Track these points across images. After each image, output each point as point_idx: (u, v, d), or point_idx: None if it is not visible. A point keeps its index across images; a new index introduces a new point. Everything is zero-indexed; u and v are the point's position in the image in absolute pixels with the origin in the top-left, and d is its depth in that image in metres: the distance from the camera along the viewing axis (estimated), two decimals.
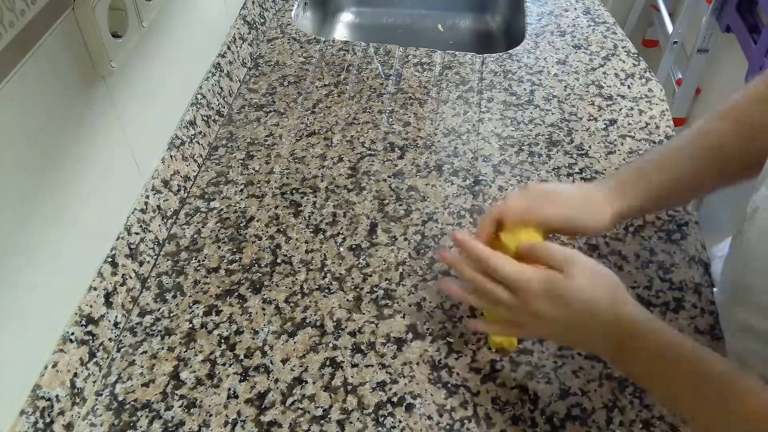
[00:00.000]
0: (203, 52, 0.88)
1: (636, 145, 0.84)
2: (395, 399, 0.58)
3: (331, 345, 0.62)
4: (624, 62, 0.99)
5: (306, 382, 0.59)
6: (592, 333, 0.50)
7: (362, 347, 0.62)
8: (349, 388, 0.59)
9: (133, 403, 0.58)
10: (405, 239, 0.72)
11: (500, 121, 0.89)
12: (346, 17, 1.35)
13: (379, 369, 0.60)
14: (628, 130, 0.86)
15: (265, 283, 0.68)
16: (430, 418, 0.57)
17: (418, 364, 0.61)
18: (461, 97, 0.93)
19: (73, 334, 0.57)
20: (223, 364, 0.61)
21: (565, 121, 0.88)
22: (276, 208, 0.76)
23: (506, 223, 0.56)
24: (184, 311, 0.66)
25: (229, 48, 0.93)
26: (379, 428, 0.56)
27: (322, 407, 0.57)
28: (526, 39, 1.05)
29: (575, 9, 1.13)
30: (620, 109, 0.90)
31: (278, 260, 0.70)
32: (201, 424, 0.56)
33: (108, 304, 0.62)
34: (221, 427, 0.56)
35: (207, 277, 0.69)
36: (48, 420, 0.53)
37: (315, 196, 0.78)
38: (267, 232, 0.74)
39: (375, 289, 0.67)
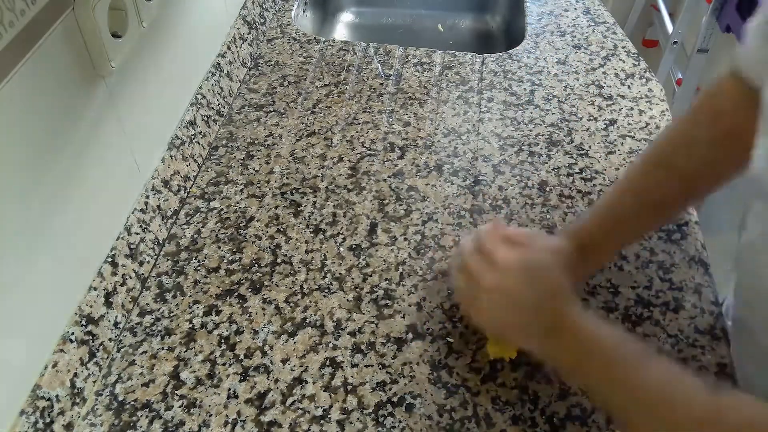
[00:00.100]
0: (203, 52, 0.88)
1: (636, 145, 0.84)
2: (395, 399, 0.58)
3: (331, 345, 0.62)
4: (624, 62, 0.99)
5: (306, 382, 0.59)
6: (537, 312, 0.51)
7: (362, 347, 0.62)
8: (349, 388, 0.59)
9: (133, 403, 0.58)
10: (405, 239, 0.72)
11: (500, 121, 0.89)
12: (346, 17, 1.35)
13: (379, 369, 0.60)
14: (628, 130, 0.86)
15: (265, 283, 0.68)
16: (430, 418, 0.57)
17: (418, 364, 0.61)
18: (461, 97, 0.93)
19: (73, 334, 0.57)
20: (223, 364, 0.61)
21: (565, 121, 0.88)
22: (276, 208, 0.76)
23: None
24: (184, 311, 0.66)
25: (229, 48, 0.93)
26: (379, 428, 0.56)
27: (322, 407, 0.57)
28: (526, 39, 1.05)
29: (575, 9, 1.13)
30: (620, 109, 0.90)
31: (278, 260, 0.70)
32: (201, 424, 0.56)
33: (108, 304, 0.62)
34: (221, 427, 0.56)
35: (207, 277, 0.69)
36: (48, 420, 0.53)
37: (315, 196, 0.78)
38: (267, 232, 0.74)
39: (375, 289, 0.67)
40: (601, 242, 0.60)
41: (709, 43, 1.65)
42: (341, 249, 0.71)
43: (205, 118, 0.85)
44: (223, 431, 0.56)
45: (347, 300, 0.66)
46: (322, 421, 0.56)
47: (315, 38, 1.06)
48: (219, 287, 0.68)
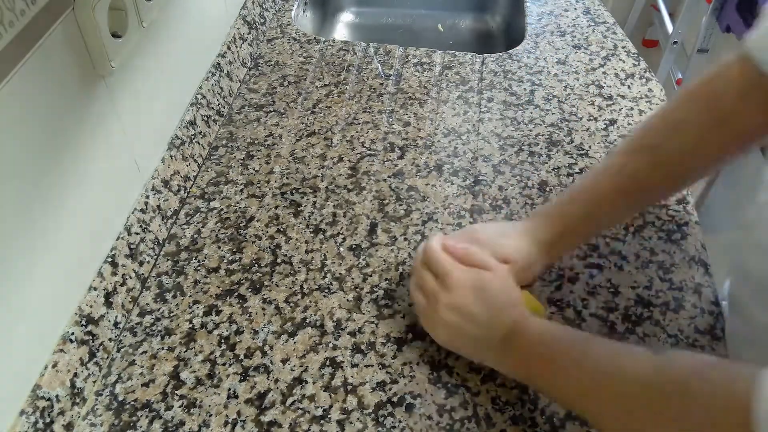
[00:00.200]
0: (203, 52, 0.88)
1: None
2: (395, 399, 0.58)
3: (331, 345, 0.62)
4: (624, 62, 0.99)
5: (306, 382, 0.59)
6: (491, 327, 0.54)
7: (362, 347, 0.62)
8: (349, 388, 0.59)
9: (133, 403, 0.58)
10: (405, 239, 0.72)
11: (500, 121, 0.89)
12: (346, 17, 1.35)
13: (379, 369, 0.60)
14: (628, 130, 0.86)
15: (265, 283, 0.68)
16: (430, 418, 0.57)
17: (418, 364, 0.61)
18: (461, 97, 0.93)
19: (73, 334, 0.57)
20: (223, 364, 0.61)
21: (565, 121, 0.88)
22: (276, 208, 0.76)
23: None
24: (184, 311, 0.66)
25: (229, 48, 0.93)
26: (379, 428, 0.56)
27: (322, 407, 0.57)
28: (526, 39, 1.05)
29: (575, 9, 1.13)
30: (620, 109, 0.90)
31: (278, 260, 0.70)
32: (201, 424, 0.56)
33: (108, 304, 0.62)
34: (221, 427, 0.56)
35: (207, 277, 0.69)
36: (48, 420, 0.53)
37: (315, 196, 0.78)
38: (267, 232, 0.74)
39: (375, 289, 0.67)
40: (576, 226, 0.61)
41: (709, 43, 1.65)
42: (341, 249, 0.71)
43: (205, 118, 0.85)
44: (223, 431, 0.56)
45: (347, 300, 0.66)
46: (322, 421, 0.56)
47: (315, 38, 1.06)
48: (219, 287, 0.68)
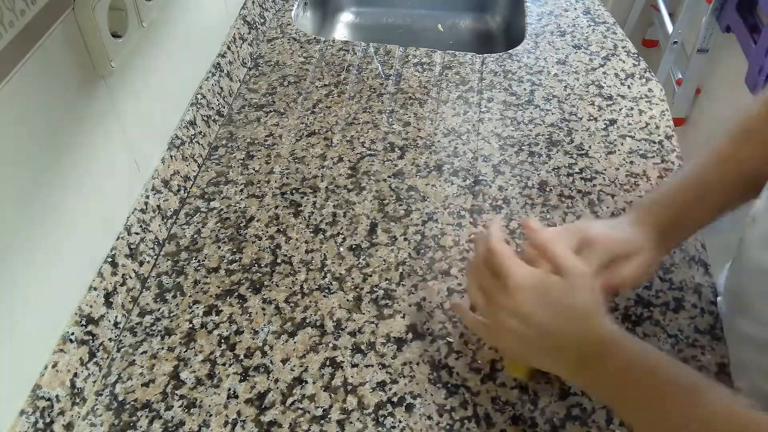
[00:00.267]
0: (203, 52, 0.88)
1: (636, 145, 0.84)
2: (395, 399, 0.58)
3: (331, 345, 0.62)
4: (624, 62, 0.99)
5: (306, 382, 0.59)
6: (564, 338, 0.48)
7: (362, 347, 0.62)
8: (349, 388, 0.59)
9: (133, 403, 0.58)
10: (405, 239, 0.72)
11: (500, 121, 0.89)
12: (346, 17, 1.35)
13: (379, 369, 0.60)
14: (628, 130, 0.86)
15: (265, 283, 0.68)
16: (430, 418, 0.57)
17: (418, 364, 0.61)
18: (461, 97, 0.93)
19: (73, 334, 0.57)
20: (223, 364, 0.61)
21: (565, 121, 0.88)
22: (276, 208, 0.76)
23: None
24: (184, 311, 0.66)
25: (229, 48, 0.93)
26: (379, 428, 0.56)
27: (322, 407, 0.57)
28: (526, 39, 1.05)
29: (575, 9, 1.13)
30: (620, 109, 0.90)
31: (278, 260, 0.70)
32: (201, 424, 0.56)
33: (108, 304, 0.62)
34: (221, 427, 0.56)
35: (207, 277, 0.69)
36: (48, 420, 0.53)
37: (315, 196, 0.78)
38: (267, 232, 0.74)
39: (375, 289, 0.67)
40: (689, 211, 0.57)
41: (709, 43, 1.65)
42: (341, 249, 0.71)
43: (205, 118, 0.85)
44: (223, 431, 0.56)
45: (347, 300, 0.66)
46: (322, 421, 0.56)
47: (315, 38, 1.06)
48: (219, 287, 0.68)
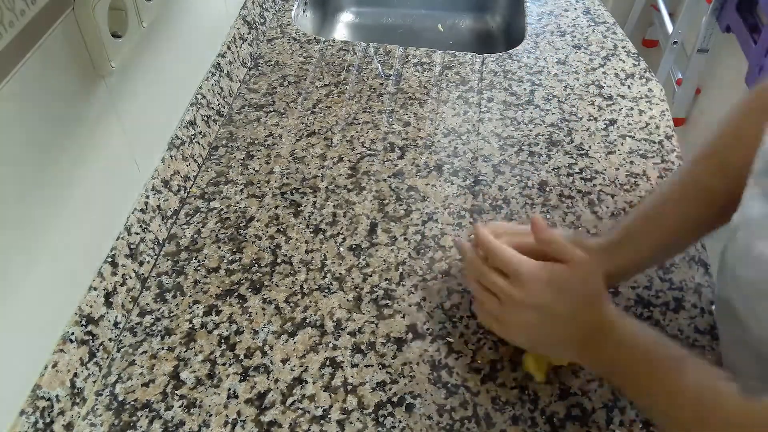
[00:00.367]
0: (203, 52, 0.88)
1: (636, 145, 0.84)
2: (395, 399, 0.58)
3: (331, 345, 0.62)
4: (624, 62, 0.99)
5: (306, 382, 0.59)
6: (575, 324, 0.51)
7: (362, 347, 0.62)
8: (349, 388, 0.59)
9: (133, 403, 0.58)
10: (405, 239, 0.72)
11: (500, 121, 0.89)
12: (346, 17, 1.35)
13: (379, 369, 0.60)
14: (628, 130, 0.86)
15: (265, 283, 0.68)
16: (430, 418, 0.57)
17: (418, 364, 0.61)
18: (461, 97, 0.93)
19: (73, 334, 0.57)
20: (223, 364, 0.61)
21: (565, 121, 0.88)
22: (276, 208, 0.76)
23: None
24: (184, 311, 0.66)
25: (229, 48, 0.93)
26: (379, 428, 0.56)
27: (322, 407, 0.57)
28: (526, 39, 1.05)
29: (575, 9, 1.13)
30: (620, 109, 0.90)
31: (278, 260, 0.70)
32: (201, 424, 0.56)
33: (108, 304, 0.62)
34: (221, 427, 0.56)
35: (207, 277, 0.69)
36: (48, 420, 0.53)
37: (315, 196, 0.78)
38: (267, 232, 0.74)
39: (375, 289, 0.67)
40: (635, 236, 0.58)
41: (709, 43, 1.65)
42: (341, 249, 0.71)
43: (205, 118, 0.85)
44: (223, 431, 0.56)
45: (347, 300, 0.66)
46: (322, 421, 0.56)
47: (315, 38, 1.06)
48: (219, 287, 0.68)
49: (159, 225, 0.72)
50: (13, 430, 0.49)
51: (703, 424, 0.43)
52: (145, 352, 0.62)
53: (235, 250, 0.72)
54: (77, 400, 0.57)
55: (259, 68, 1.00)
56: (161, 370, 0.61)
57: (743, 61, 1.44)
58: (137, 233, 0.67)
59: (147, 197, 0.70)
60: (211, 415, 0.57)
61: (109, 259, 0.63)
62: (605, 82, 0.95)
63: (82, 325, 0.58)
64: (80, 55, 0.56)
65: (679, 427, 0.46)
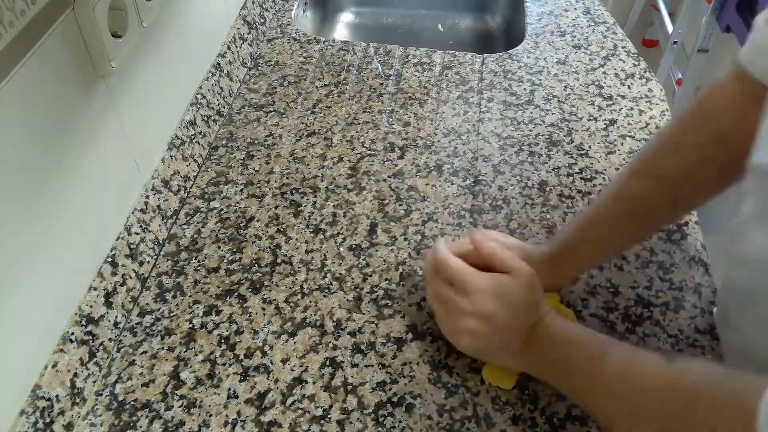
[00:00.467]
0: (203, 52, 0.88)
1: (636, 145, 0.84)
2: (395, 399, 0.58)
3: (331, 345, 0.62)
4: (624, 62, 0.99)
5: (306, 382, 0.59)
6: (516, 332, 0.54)
7: (362, 347, 0.62)
8: (349, 388, 0.59)
9: (133, 403, 0.58)
10: (405, 239, 0.72)
11: (500, 121, 0.89)
12: (346, 17, 1.35)
13: (379, 369, 0.60)
14: (628, 130, 0.86)
15: (265, 283, 0.68)
16: (430, 418, 0.57)
17: (418, 364, 0.61)
18: (461, 97, 0.93)
19: (73, 334, 0.57)
20: (223, 364, 0.61)
21: (565, 121, 0.88)
22: (276, 208, 0.76)
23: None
24: (184, 311, 0.66)
25: (229, 48, 0.93)
26: (379, 428, 0.56)
27: (322, 407, 0.57)
28: (526, 39, 1.05)
29: (575, 9, 1.13)
30: (620, 109, 0.90)
31: (278, 260, 0.70)
32: (201, 424, 0.56)
33: (108, 304, 0.62)
34: (221, 427, 0.56)
35: (207, 277, 0.69)
36: (48, 420, 0.53)
37: (315, 196, 0.78)
38: (267, 232, 0.74)
39: (375, 289, 0.67)
40: (576, 249, 0.62)
41: (709, 43, 1.65)
42: (341, 249, 0.71)
43: (205, 118, 0.85)
44: (223, 431, 0.56)
45: (347, 300, 0.66)
46: (322, 421, 0.56)
47: (315, 38, 1.06)
48: (219, 287, 0.68)
49: (159, 225, 0.72)
50: (13, 430, 0.49)
51: (628, 402, 0.45)
52: (145, 352, 0.62)
53: (235, 250, 0.72)
54: (77, 400, 0.57)
55: (259, 68, 1.00)
56: (161, 370, 0.61)
57: None
58: (137, 233, 0.67)
59: (147, 197, 0.70)
60: (211, 415, 0.57)
61: (109, 259, 0.63)
62: (605, 82, 0.95)
63: (82, 325, 0.58)
64: (80, 55, 0.56)
65: (612, 414, 0.47)
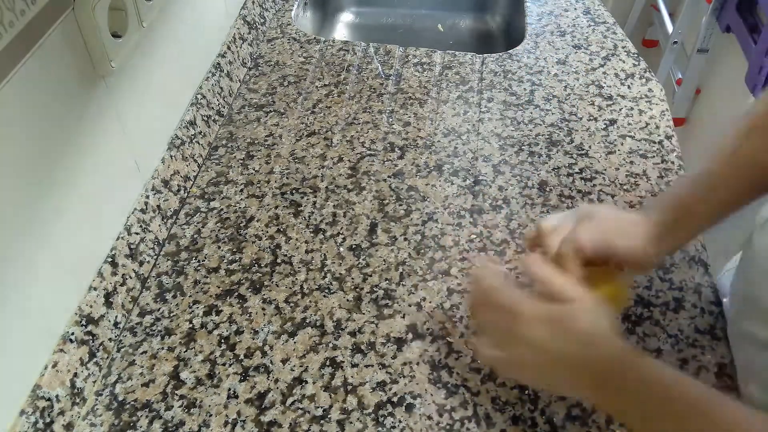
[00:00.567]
0: (203, 52, 0.88)
1: (636, 145, 0.84)
2: (395, 399, 0.58)
3: (331, 345, 0.62)
4: (624, 62, 0.99)
5: (306, 382, 0.59)
6: (578, 362, 0.49)
7: (362, 347, 0.62)
8: (349, 388, 0.59)
9: (133, 403, 0.58)
10: (405, 239, 0.72)
11: (500, 121, 0.89)
12: (346, 17, 1.35)
13: (379, 369, 0.60)
14: (628, 130, 0.86)
15: (265, 283, 0.68)
16: (430, 418, 0.57)
17: (418, 364, 0.61)
18: (461, 97, 0.93)
19: (73, 334, 0.57)
20: (223, 364, 0.61)
21: (565, 121, 0.88)
22: (276, 208, 0.76)
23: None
24: (184, 311, 0.66)
25: (229, 48, 0.93)
26: (379, 428, 0.56)
27: (322, 407, 0.57)
28: (526, 39, 1.05)
29: (575, 9, 1.13)
30: (620, 109, 0.90)
31: (278, 260, 0.70)
32: (201, 424, 0.56)
33: (108, 304, 0.62)
34: (221, 427, 0.56)
35: (207, 277, 0.69)
36: (48, 420, 0.53)
37: (315, 196, 0.78)
38: (267, 232, 0.74)
39: (375, 289, 0.67)
40: (692, 208, 0.56)
41: (709, 43, 1.65)
42: (341, 249, 0.71)
43: (205, 118, 0.85)
44: (223, 431, 0.56)
45: (347, 300, 0.66)
46: (322, 421, 0.56)
47: (315, 38, 1.06)
48: (219, 287, 0.68)
49: (159, 225, 0.72)
50: (13, 430, 0.49)
51: None
52: (145, 352, 0.62)
53: (235, 250, 0.72)
54: (77, 400, 0.57)
55: (259, 68, 1.00)
56: (161, 370, 0.61)
57: (743, 61, 1.43)
58: (137, 233, 0.67)
59: (147, 197, 0.70)
60: (211, 415, 0.57)
61: (109, 259, 0.63)
62: (605, 82, 0.95)
63: (82, 325, 0.58)
64: (80, 55, 0.56)
65: None
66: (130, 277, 0.66)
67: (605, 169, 0.81)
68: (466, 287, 0.67)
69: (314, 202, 0.77)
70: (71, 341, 0.56)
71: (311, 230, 0.74)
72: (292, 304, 0.66)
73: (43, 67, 0.51)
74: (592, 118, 0.89)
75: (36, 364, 0.53)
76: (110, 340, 0.62)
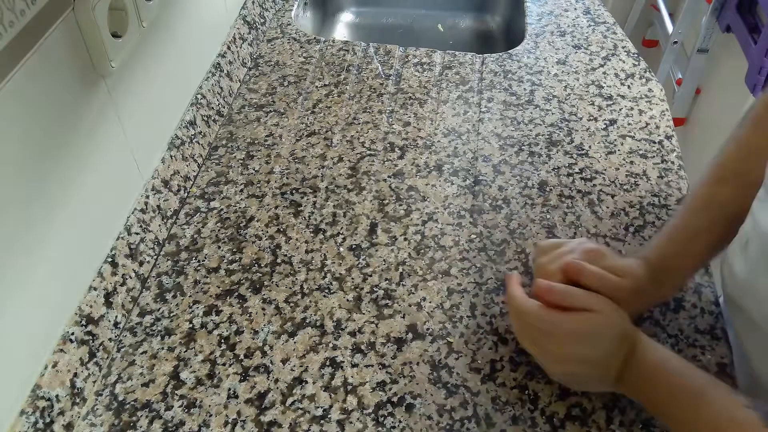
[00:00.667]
0: (203, 52, 0.88)
1: (636, 145, 0.84)
2: (395, 399, 0.58)
3: (331, 345, 0.62)
4: (624, 62, 0.99)
5: (306, 382, 0.59)
6: (612, 363, 0.53)
7: (362, 347, 0.62)
8: (349, 388, 0.59)
9: (133, 403, 0.58)
10: (405, 239, 0.72)
11: (500, 121, 0.89)
12: (346, 17, 1.35)
13: (379, 369, 0.60)
14: (628, 130, 0.86)
15: (265, 283, 0.68)
16: (430, 418, 0.57)
17: (418, 364, 0.61)
18: (461, 97, 0.93)
19: (73, 334, 0.57)
20: (223, 364, 0.61)
21: (565, 121, 0.88)
22: (276, 208, 0.76)
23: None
24: (184, 311, 0.66)
25: (229, 48, 0.93)
26: (379, 428, 0.56)
27: (322, 407, 0.57)
28: (526, 39, 1.05)
29: (575, 9, 1.13)
30: (620, 109, 0.90)
31: (278, 260, 0.70)
32: (201, 424, 0.56)
33: (108, 304, 0.62)
34: (221, 427, 0.56)
35: (207, 277, 0.69)
36: (48, 420, 0.53)
37: (315, 196, 0.78)
38: (267, 232, 0.74)
39: (375, 289, 0.67)
40: (679, 261, 0.60)
41: (709, 43, 1.65)
42: (341, 249, 0.71)
43: (205, 118, 0.85)
44: (223, 431, 0.56)
45: (347, 300, 0.66)
46: (322, 421, 0.56)
47: (315, 38, 1.06)
48: (219, 287, 0.68)
49: (159, 225, 0.72)
50: (13, 430, 0.49)
51: None
52: (145, 352, 0.62)
53: (235, 250, 0.72)
54: (77, 400, 0.57)
55: (259, 68, 1.00)
56: (161, 370, 0.61)
57: (743, 61, 1.44)
58: (137, 233, 0.67)
59: (147, 197, 0.70)
60: (211, 415, 0.57)
61: (109, 259, 0.63)
62: (605, 82, 0.95)
63: (82, 325, 0.58)
64: (80, 55, 0.56)
65: None
66: (130, 277, 0.66)
67: (605, 169, 0.81)
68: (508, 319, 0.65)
69: (314, 202, 0.77)
70: (71, 341, 0.56)
71: (311, 230, 0.74)
72: (292, 304, 0.66)
73: (43, 67, 0.51)
74: (592, 118, 0.89)
75: (36, 364, 0.53)
76: (110, 340, 0.62)
